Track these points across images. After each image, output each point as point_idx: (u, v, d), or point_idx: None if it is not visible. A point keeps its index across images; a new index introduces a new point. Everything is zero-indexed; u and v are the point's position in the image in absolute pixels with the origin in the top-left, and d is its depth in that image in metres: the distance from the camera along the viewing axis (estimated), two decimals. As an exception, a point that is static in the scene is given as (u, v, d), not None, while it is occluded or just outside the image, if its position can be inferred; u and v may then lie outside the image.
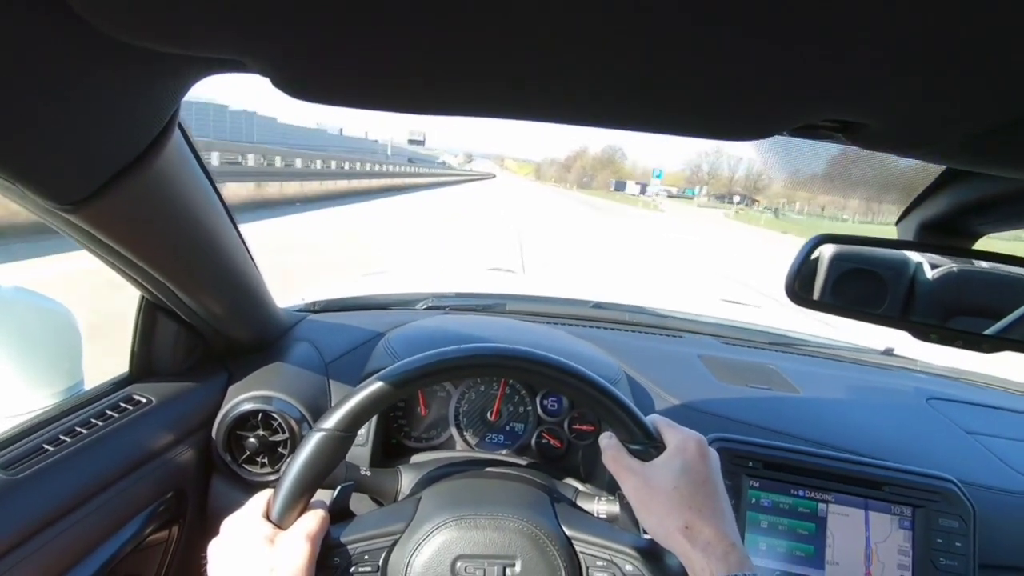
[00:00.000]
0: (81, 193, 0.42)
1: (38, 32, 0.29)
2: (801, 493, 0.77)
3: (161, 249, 0.59)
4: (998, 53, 0.25)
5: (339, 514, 0.61)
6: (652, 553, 0.58)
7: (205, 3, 0.24)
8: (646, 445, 0.57)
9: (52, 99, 0.33)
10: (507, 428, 0.91)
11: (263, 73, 0.30)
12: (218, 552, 0.52)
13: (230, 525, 0.54)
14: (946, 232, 0.61)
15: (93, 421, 0.66)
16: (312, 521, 0.54)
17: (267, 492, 0.56)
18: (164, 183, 0.51)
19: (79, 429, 0.64)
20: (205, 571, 0.53)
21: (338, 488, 0.67)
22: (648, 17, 0.24)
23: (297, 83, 0.31)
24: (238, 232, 0.71)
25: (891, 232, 0.69)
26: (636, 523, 0.58)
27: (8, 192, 0.40)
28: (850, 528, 0.76)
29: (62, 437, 0.61)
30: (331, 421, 0.55)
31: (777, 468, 0.78)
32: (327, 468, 0.56)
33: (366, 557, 0.56)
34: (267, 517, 0.54)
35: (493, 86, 0.32)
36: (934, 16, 0.23)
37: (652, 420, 0.60)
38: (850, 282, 0.69)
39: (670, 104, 0.33)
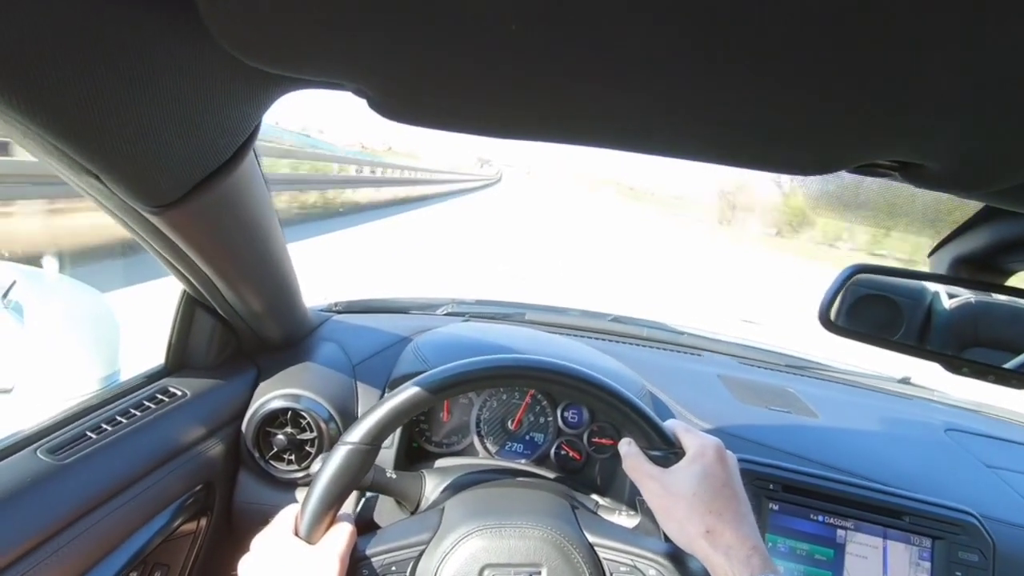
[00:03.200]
0: (170, 197, 0.44)
1: (159, 41, 0.31)
2: (821, 518, 0.77)
3: (223, 252, 0.61)
4: None
5: (364, 525, 0.62)
6: (675, 558, 0.59)
7: (321, 31, 0.26)
8: (665, 451, 0.59)
9: (157, 107, 0.35)
10: (527, 438, 0.92)
11: (359, 95, 0.32)
12: (250, 569, 0.53)
13: (260, 543, 0.55)
14: (979, 267, 0.62)
15: (132, 411, 0.67)
16: (340, 536, 0.55)
17: (294, 507, 0.57)
18: (239, 189, 0.53)
19: (119, 418, 0.65)
20: (232, 566, 0.54)
21: (363, 500, 0.68)
22: (728, 59, 0.25)
23: (394, 106, 0.33)
24: (281, 230, 0.73)
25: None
26: (658, 529, 0.59)
27: (95, 191, 0.42)
28: (868, 556, 0.76)
29: (104, 425, 0.63)
30: (358, 434, 0.56)
31: (798, 492, 0.78)
32: (354, 482, 0.57)
33: (393, 568, 0.57)
34: (296, 533, 0.55)
35: (574, 115, 0.33)
36: (993, 65, 0.24)
37: (670, 426, 0.61)
38: (866, 308, 0.70)
39: (743, 138, 0.34)
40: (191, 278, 0.66)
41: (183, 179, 0.44)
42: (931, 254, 0.67)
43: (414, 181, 19.47)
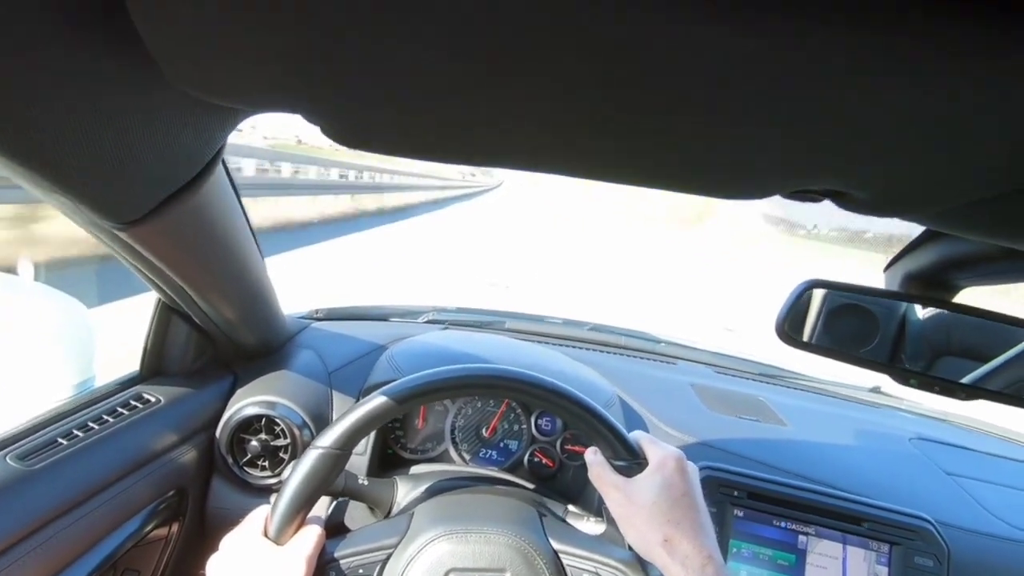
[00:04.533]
0: (134, 214, 0.45)
1: (112, 72, 0.33)
2: (783, 524, 0.80)
3: (194, 265, 0.62)
4: (982, 135, 0.28)
5: (334, 528, 0.63)
6: (636, 566, 0.61)
7: (268, 68, 0.27)
8: (629, 461, 0.60)
9: (118, 130, 0.36)
10: (501, 445, 0.93)
11: (313, 122, 0.34)
12: (217, 569, 0.54)
13: (229, 543, 0.56)
14: (929, 284, 0.65)
15: (105, 417, 0.68)
16: (309, 538, 0.56)
17: (264, 509, 0.58)
18: (206, 207, 0.54)
19: (91, 424, 0.66)
20: (202, 571, 0.55)
21: (333, 504, 0.69)
22: (658, 89, 0.27)
23: (347, 133, 0.35)
24: (256, 241, 0.74)
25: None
26: (622, 537, 0.61)
27: (66, 209, 0.44)
28: (829, 561, 0.78)
29: (75, 432, 0.64)
30: (329, 439, 0.58)
31: (761, 499, 0.80)
32: (324, 485, 0.58)
33: (360, 571, 0.58)
34: (265, 534, 0.56)
35: (515, 141, 0.35)
36: (924, 97, 0.25)
37: (635, 437, 0.63)
38: (842, 318, 0.72)
39: (676, 164, 0.36)
40: (165, 288, 0.67)
41: (146, 199, 0.45)
42: (886, 269, 0.70)
43: (373, 187, 15.92)
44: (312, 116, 0.33)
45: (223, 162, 0.53)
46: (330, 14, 0.23)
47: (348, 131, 0.35)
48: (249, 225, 0.70)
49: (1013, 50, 0.21)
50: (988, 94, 0.24)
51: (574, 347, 1.23)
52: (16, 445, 0.59)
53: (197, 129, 0.41)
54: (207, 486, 0.83)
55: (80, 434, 0.64)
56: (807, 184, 0.36)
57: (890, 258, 0.70)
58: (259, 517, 0.57)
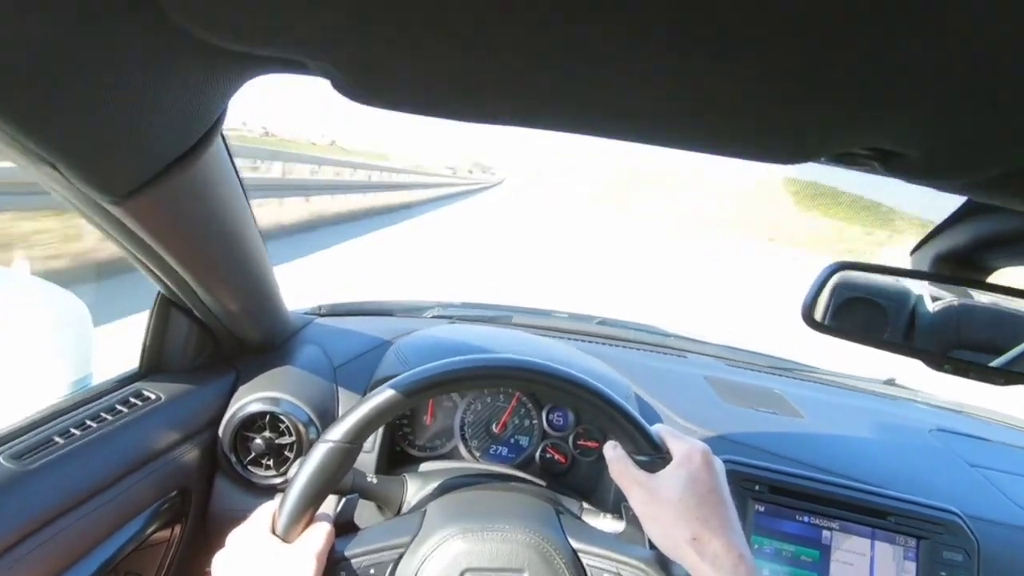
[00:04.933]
0: (128, 186, 0.42)
1: (102, 24, 0.30)
2: (807, 519, 0.77)
3: (191, 247, 0.60)
4: None
5: (344, 526, 0.61)
6: (659, 565, 0.58)
7: (277, 2, 0.25)
8: (652, 456, 0.58)
9: (111, 93, 0.34)
10: (512, 441, 0.91)
11: (324, 75, 0.31)
12: (224, 566, 0.52)
13: (236, 539, 0.54)
14: (961, 264, 0.62)
15: (103, 415, 0.65)
16: (318, 535, 0.54)
17: (272, 505, 0.55)
18: (203, 181, 0.52)
19: (89, 423, 0.63)
20: (206, 573, 0.53)
21: (343, 500, 0.66)
22: (704, 47, 0.25)
23: (359, 87, 0.32)
24: (258, 231, 0.72)
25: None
26: (643, 536, 0.58)
27: (53, 181, 0.41)
28: (854, 557, 0.75)
29: (73, 430, 0.61)
30: (338, 432, 0.55)
31: (783, 493, 0.78)
32: (333, 480, 0.56)
33: (372, 571, 0.56)
34: (273, 531, 0.54)
35: (550, 100, 0.32)
36: (976, 53, 0.23)
37: (657, 431, 0.60)
38: (852, 311, 0.70)
39: (716, 125, 0.34)
40: (163, 276, 0.64)
41: (142, 167, 0.42)
42: (913, 252, 0.68)
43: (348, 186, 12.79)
44: (325, 65, 0.30)
45: (223, 136, 0.51)
46: None
47: (362, 83, 0.32)
48: (252, 214, 0.67)
49: None
50: None
51: (582, 341, 1.21)
52: (11, 444, 0.56)
53: (197, 87, 0.38)
54: (210, 486, 0.80)
55: (78, 432, 0.61)
56: (855, 145, 0.33)
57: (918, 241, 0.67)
58: (267, 513, 0.55)
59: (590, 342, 1.21)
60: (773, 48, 0.25)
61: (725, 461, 0.79)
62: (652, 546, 0.57)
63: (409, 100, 0.34)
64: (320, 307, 1.21)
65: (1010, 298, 0.62)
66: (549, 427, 0.90)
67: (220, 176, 0.55)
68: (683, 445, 0.57)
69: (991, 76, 0.26)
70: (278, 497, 0.55)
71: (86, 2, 0.28)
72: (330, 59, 0.30)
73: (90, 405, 0.67)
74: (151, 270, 0.63)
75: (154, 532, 0.69)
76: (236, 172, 0.60)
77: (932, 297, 0.71)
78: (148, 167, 0.43)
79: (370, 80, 0.32)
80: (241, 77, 0.40)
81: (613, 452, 0.60)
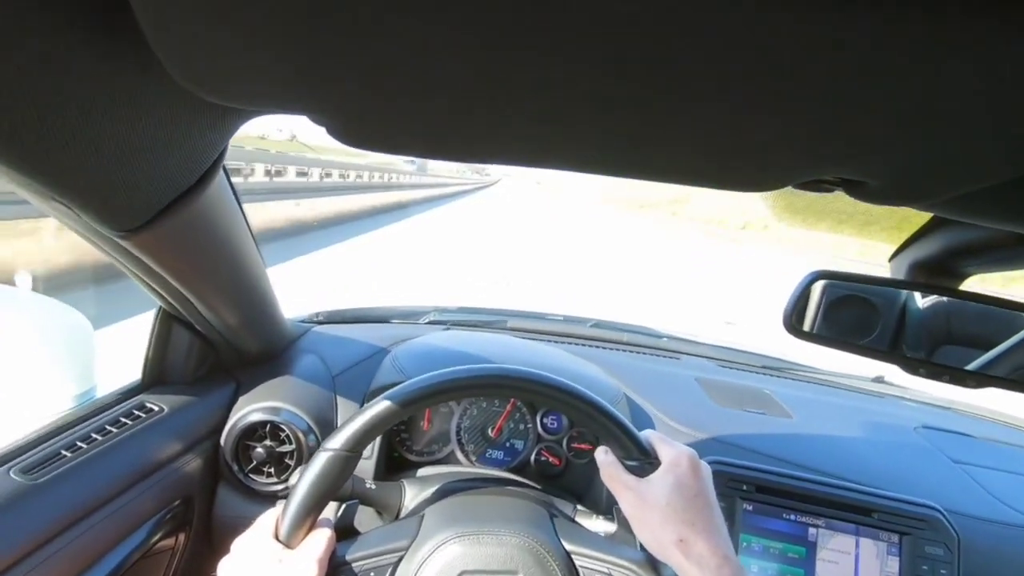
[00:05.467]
0: (136, 222, 0.44)
1: (115, 76, 0.32)
2: (793, 517, 0.79)
3: (197, 272, 0.62)
4: (992, 120, 0.28)
5: (344, 531, 0.63)
6: (649, 567, 0.60)
7: (276, 70, 0.27)
8: (641, 461, 0.60)
9: (119, 138, 0.35)
10: (507, 445, 0.93)
11: (317, 122, 0.33)
12: (228, 571, 0.54)
13: (240, 545, 0.55)
14: (935, 272, 0.64)
15: (108, 428, 0.67)
16: (320, 541, 0.56)
17: (275, 511, 0.57)
18: (206, 213, 0.54)
19: (95, 436, 0.65)
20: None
21: (343, 506, 0.68)
22: (669, 81, 0.27)
23: (352, 132, 0.34)
24: (256, 246, 0.74)
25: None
26: (633, 538, 0.61)
27: (64, 216, 0.43)
28: (840, 553, 0.78)
29: (79, 443, 0.63)
30: (338, 441, 0.57)
31: (770, 492, 0.80)
32: (334, 487, 0.58)
33: (372, 574, 0.58)
34: (276, 537, 0.56)
35: (526, 138, 0.34)
36: (933, 85, 0.25)
37: (646, 436, 0.62)
38: (842, 309, 0.72)
39: (687, 158, 0.36)
40: (166, 295, 0.66)
41: (148, 205, 0.44)
42: (891, 259, 0.70)
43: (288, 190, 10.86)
44: (318, 116, 0.32)
45: (223, 167, 0.53)
46: (335, 13, 0.23)
47: (355, 131, 0.34)
48: (250, 229, 0.69)
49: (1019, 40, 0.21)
50: (999, 80, 0.24)
51: (577, 344, 1.23)
52: (19, 459, 0.58)
53: (200, 132, 0.40)
54: (213, 495, 0.82)
55: (84, 446, 0.63)
56: (821, 174, 0.35)
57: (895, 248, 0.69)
58: (270, 520, 0.57)
59: (584, 345, 1.23)
60: (736, 87, 0.27)
61: (714, 462, 0.82)
62: (643, 548, 0.60)
63: (398, 143, 0.36)
64: (318, 314, 1.23)
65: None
66: (543, 430, 0.92)
67: (223, 205, 0.57)
68: (671, 450, 0.59)
69: (943, 112, 0.27)
70: (280, 504, 0.57)
71: (95, 60, 0.30)
72: (320, 111, 0.32)
73: (95, 418, 0.69)
74: (155, 289, 0.65)
75: (159, 541, 0.71)
76: (237, 198, 0.62)
77: (922, 295, 0.73)
78: (154, 204, 0.45)
79: (361, 127, 0.34)
80: (238, 121, 0.42)
81: (604, 457, 0.62)
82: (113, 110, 0.34)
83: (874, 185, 0.36)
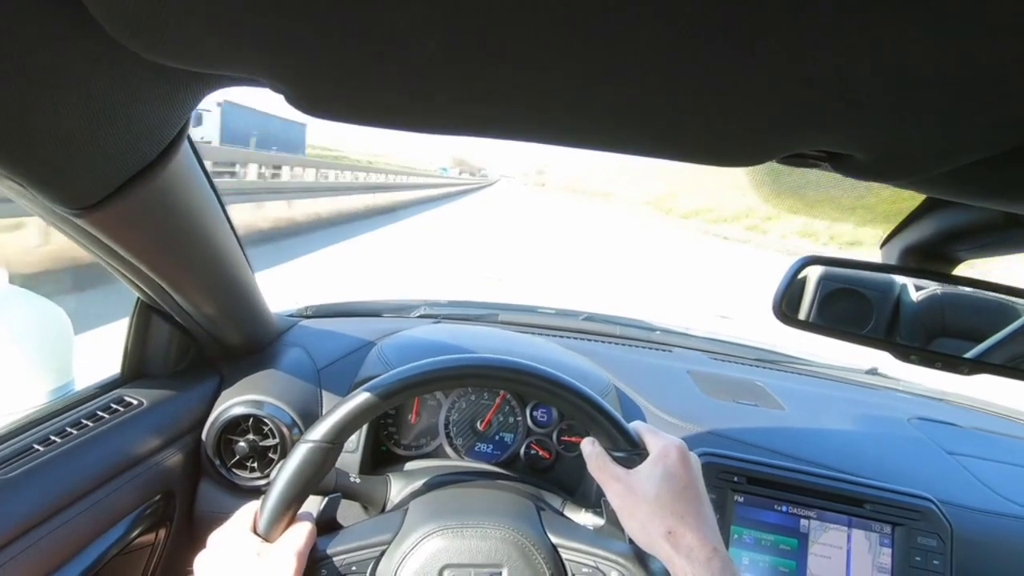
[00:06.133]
0: (91, 199, 0.42)
1: (62, 42, 0.30)
2: (785, 509, 0.78)
3: (163, 254, 0.60)
4: (977, 92, 0.27)
5: (326, 525, 0.62)
6: (637, 559, 0.59)
7: (226, 25, 0.25)
8: (629, 452, 0.59)
9: (70, 107, 0.34)
10: (496, 438, 0.92)
11: (276, 89, 0.32)
12: (205, 566, 0.52)
13: (217, 539, 0.54)
14: (928, 257, 0.63)
15: (84, 422, 0.66)
16: (299, 534, 0.54)
17: (254, 504, 0.56)
18: (171, 190, 0.52)
19: (70, 430, 0.64)
20: (188, 573, 0.53)
21: (325, 499, 0.67)
22: (651, 52, 0.26)
23: (311, 100, 0.33)
24: (236, 235, 0.72)
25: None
26: (621, 530, 0.60)
27: (18, 195, 0.41)
28: (832, 545, 0.77)
29: (52, 437, 0.61)
30: (318, 432, 0.56)
31: (762, 483, 0.79)
32: (315, 480, 0.56)
33: (354, 568, 0.57)
34: (254, 530, 0.54)
35: (501, 107, 0.33)
36: (917, 55, 0.24)
37: (635, 427, 0.61)
38: (836, 302, 0.71)
39: (668, 130, 0.34)
40: (139, 283, 0.65)
41: (105, 180, 0.42)
42: (883, 245, 0.69)
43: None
44: (277, 82, 0.31)
45: (189, 140, 0.51)
46: None
47: (313, 98, 0.33)
48: (226, 215, 0.67)
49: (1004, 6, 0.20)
50: (981, 49, 0.23)
51: (568, 337, 1.22)
52: None
53: (157, 101, 0.38)
54: (195, 489, 0.81)
55: (58, 440, 0.62)
56: (803, 147, 0.34)
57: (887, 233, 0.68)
58: (248, 513, 0.56)
59: (576, 339, 1.22)
60: (718, 57, 0.26)
61: (705, 454, 0.81)
62: (630, 540, 0.58)
63: (357, 111, 0.35)
64: (307, 308, 1.21)
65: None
66: (533, 423, 0.90)
67: (189, 183, 0.55)
68: (660, 441, 0.58)
69: (927, 83, 0.26)
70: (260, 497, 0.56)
71: (41, 27, 0.29)
72: (277, 76, 0.30)
73: (71, 412, 0.67)
74: (127, 277, 0.63)
75: (138, 536, 0.69)
76: (208, 177, 0.60)
77: (916, 286, 0.72)
78: (111, 180, 0.43)
79: (320, 92, 0.32)
80: (201, 91, 0.40)
81: (591, 448, 0.61)
82: (63, 80, 0.32)
83: (860, 159, 0.35)
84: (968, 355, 0.65)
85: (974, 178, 0.38)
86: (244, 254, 0.76)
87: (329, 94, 0.32)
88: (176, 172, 0.50)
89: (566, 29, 0.25)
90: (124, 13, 0.25)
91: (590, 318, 1.36)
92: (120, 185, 0.43)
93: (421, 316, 1.25)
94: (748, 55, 0.25)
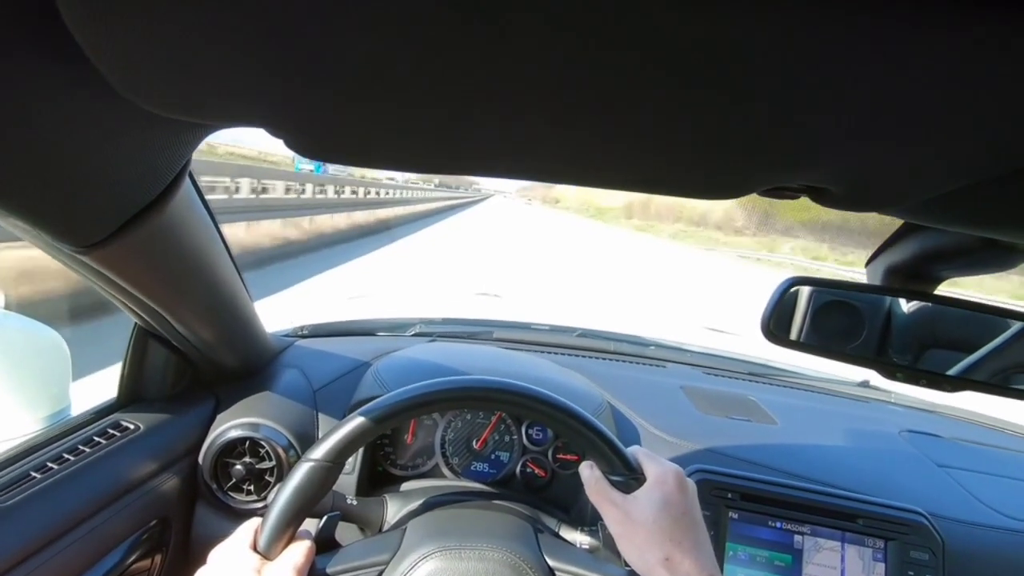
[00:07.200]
0: (94, 237, 0.44)
1: (67, 91, 0.32)
2: (779, 525, 0.79)
3: (164, 285, 0.61)
4: (950, 127, 0.28)
5: (325, 544, 0.62)
6: None
7: (226, 81, 0.26)
8: (626, 477, 0.59)
9: (75, 152, 0.35)
10: (492, 457, 0.92)
11: (275, 135, 0.33)
12: None
13: (217, 555, 0.54)
14: (910, 277, 0.65)
15: (81, 448, 0.66)
16: (299, 552, 0.55)
17: (254, 522, 0.56)
18: (173, 226, 0.53)
19: (67, 456, 0.64)
20: None
21: (324, 518, 0.67)
22: (629, 88, 0.27)
23: (312, 145, 0.34)
24: (233, 261, 0.73)
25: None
26: (618, 554, 0.60)
27: (24, 234, 0.42)
28: (826, 560, 0.77)
29: (50, 464, 0.62)
30: (319, 452, 0.57)
31: (755, 500, 0.80)
32: (315, 499, 0.57)
33: None
34: (254, 548, 0.55)
35: (487, 148, 0.34)
36: (889, 93, 0.25)
37: (632, 452, 0.62)
38: (829, 315, 0.72)
39: (649, 165, 0.36)
40: (138, 310, 0.65)
41: (108, 220, 0.44)
42: (867, 264, 0.70)
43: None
44: (275, 129, 0.32)
45: (191, 176, 0.52)
46: (287, 22, 0.23)
47: (313, 143, 0.34)
48: (224, 243, 0.68)
49: (983, 44, 0.21)
50: (962, 83, 0.24)
51: (563, 354, 1.23)
52: None
53: (159, 145, 0.39)
54: (191, 514, 0.80)
55: (55, 466, 0.62)
56: (784, 181, 0.36)
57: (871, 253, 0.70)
58: (248, 530, 0.56)
59: (570, 355, 1.23)
60: (695, 95, 0.27)
61: (699, 471, 0.81)
62: (627, 565, 0.59)
63: (353, 154, 0.36)
64: (302, 328, 1.21)
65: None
66: (529, 442, 0.91)
67: (189, 216, 0.57)
68: (657, 467, 0.59)
69: (903, 118, 0.28)
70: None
71: (47, 80, 0.30)
72: (274, 123, 0.31)
73: (68, 438, 0.67)
74: (126, 305, 0.64)
75: (135, 562, 0.69)
76: (206, 206, 0.61)
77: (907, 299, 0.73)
78: (114, 219, 0.44)
79: (316, 139, 0.34)
80: (202, 135, 0.41)
81: (589, 472, 0.61)
82: (61, 124, 0.33)
83: (837, 192, 0.36)
84: (951, 372, 0.67)
85: (952, 206, 0.40)
86: (242, 278, 0.77)
87: (330, 141, 0.34)
88: (178, 208, 0.51)
89: (550, 68, 0.26)
90: (129, 70, 0.26)
91: (584, 334, 1.37)
92: (123, 224, 0.45)
93: (416, 335, 1.26)
94: (724, 94, 0.27)
